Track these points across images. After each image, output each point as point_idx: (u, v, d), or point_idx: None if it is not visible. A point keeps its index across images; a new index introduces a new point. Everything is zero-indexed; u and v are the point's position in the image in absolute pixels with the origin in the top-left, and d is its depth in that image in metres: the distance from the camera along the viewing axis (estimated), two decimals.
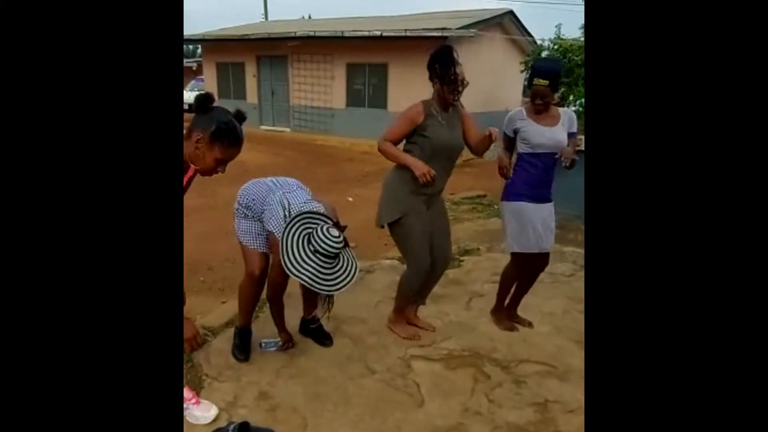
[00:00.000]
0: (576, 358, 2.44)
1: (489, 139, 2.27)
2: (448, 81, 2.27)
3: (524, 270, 2.65)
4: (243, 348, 2.35)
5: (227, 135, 1.60)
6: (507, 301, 2.78)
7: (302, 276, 1.92)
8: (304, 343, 2.48)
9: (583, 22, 12.75)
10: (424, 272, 2.50)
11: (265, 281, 2.28)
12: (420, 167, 2.27)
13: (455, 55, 2.28)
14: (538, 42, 12.34)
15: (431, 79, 2.34)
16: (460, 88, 2.31)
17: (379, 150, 2.40)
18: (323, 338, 2.52)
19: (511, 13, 11.91)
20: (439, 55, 2.29)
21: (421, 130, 2.33)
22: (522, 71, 11.74)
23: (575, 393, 2.16)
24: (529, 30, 12.61)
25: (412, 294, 2.60)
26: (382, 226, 2.51)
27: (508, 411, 2.03)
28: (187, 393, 1.93)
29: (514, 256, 2.62)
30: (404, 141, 2.42)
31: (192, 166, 1.61)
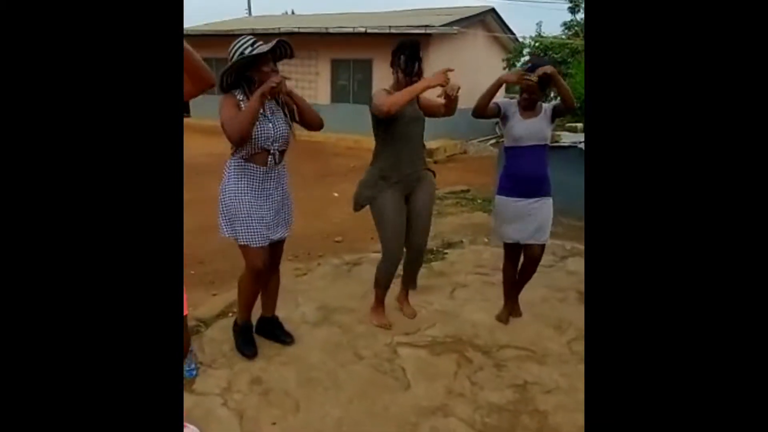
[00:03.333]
0: (554, 343, 2.57)
1: (449, 97, 2.38)
2: (409, 73, 2.39)
3: (511, 260, 2.76)
4: (248, 343, 2.36)
5: None
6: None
7: None
8: (296, 332, 2.56)
9: (563, 20, 12.95)
10: (394, 259, 2.59)
11: (264, 275, 2.28)
12: (437, 78, 2.30)
13: (419, 51, 2.41)
14: (520, 39, 12.53)
15: (392, 65, 2.45)
16: (416, 80, 2.40)
17: (394, 104, 2.29)
18: (284, 337, 2.47)
19: (493, 10, 12.07)
20: (406, 47, 2.40)
21: (388, 119, 2.39)
22: (504, 68, 11.91)
23: (552, 375, 2.28)
24: (511, 27, 12.80)
25: (386, 281, 2.68)
26: (356, 210, 2.65)
27: (490, 392, 2.15)
28: None
29: (504, 246, 2.75)
30: (373, 130, 2.52)
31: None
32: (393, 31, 10.00)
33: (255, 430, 1.85)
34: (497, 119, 2.65)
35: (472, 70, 10.91)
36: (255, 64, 2.07)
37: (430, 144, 9.62)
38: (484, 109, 2.54)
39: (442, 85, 2.31)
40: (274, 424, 1.89)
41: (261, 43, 2.08)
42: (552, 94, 9.82)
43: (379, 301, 2.74)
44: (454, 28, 10.23)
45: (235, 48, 2.07)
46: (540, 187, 2.59)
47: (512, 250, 2.72)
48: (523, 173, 2.57)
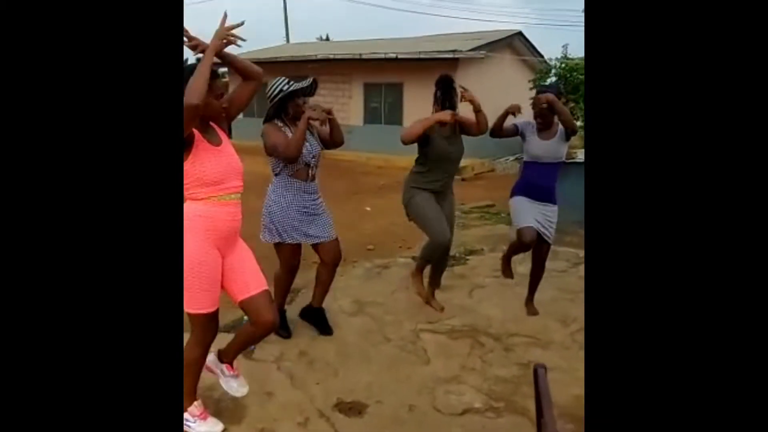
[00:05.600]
0: (558, 334, 2.93)
1: (478, 115, 2.85)
2: (450, 105, 2.89)
3: (523, 245, 3.02)
4: (283, 326, 2.78)
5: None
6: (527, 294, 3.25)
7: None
8: (334, 319, 3.00)
9: None
10: (442, 243, 2.93)
11: (296, 270, 2.77)
12: (440, 114, 2.81)
13: (455, 84, 2.89)
14: (548, 61, 12.89)
15: (435, 96, 2.95)
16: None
17: (406, 140, 2.84)
18: (324, 329, 2.84)
19: (520, 34, 12.52)
20: (441, 82, 2.91)
21: (425, 142, 2.90)
22: (531, 89, 12.28)
23: (554, 357, 2.65)
24: (541, 50, 13.19)
25: (430, 256, 3.07)
26: (406, 206, 3.08)
27: (498, 368, 2.53)
28: (194, 410, 1.96)
29: (518, 232, 3.03)
30: (417, 151, 3.00)
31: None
32: (422, 56, 10.57)
33: (303, 387, 2.31)
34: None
35: (500, 92, 11.30)
36: (291, 98, 2.61)
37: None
38: (498, 131, 2.99)
39: (448, 121, 2.79)
40: (318, 384, 2.34)
41: (294, 82, 2.62)
42: (579, 113, 10.14)
43: (419, 272, 3.16)
44: (481, 52, 10.72)
45: (274, 86, 2.61)
46: (550, 196, 3.03)
47: (528, 232, 2.95)
48: (538, 184, 3.01)
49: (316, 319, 2.91)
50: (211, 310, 1.88)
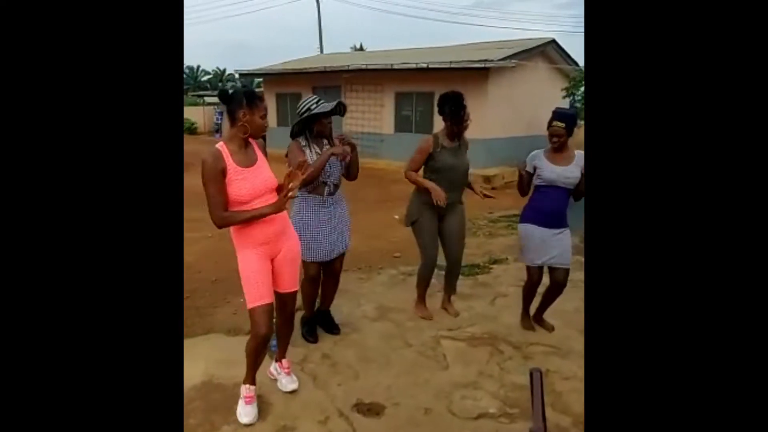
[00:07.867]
0: (578, 343, 2.95)
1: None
2: (457, 120, 2.94)
3: (533, 280, 3.09)
4: (311, 332, 2.95)
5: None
6: (536, 307, 3.22)
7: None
8: (357, 324, 3.12)
9: None
10: (431, 265, 3.18)
11: (320, 281, 2.90)
12: (436, 191, 2.91)
13: (463, 100, 2.97)
14: (582, 69, 12.72)
15: (441, 113, 3.02)
16: (466, 125, 2.99)
17: (406, 177, 3.07)
18: (333, 328, 3.03)
19: (553, 42, 12.40)
20: (452, 99, 2.96)
21: (433, 158, 3.00)
22: (564, 97, 12.14)
23: (572, 367, 2.67)
24: (575, 57, 13.01)
25: (425, 280, 3.26)
26: (407, 226, 3.26)
27: (515, 376, 2.58)
28: (246, 390, 2.21)
29: (527, 269, 3.11)
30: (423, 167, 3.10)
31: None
32: (453, 66, 10.63)
33: (325, 388, 2.42)
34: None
35: (532, 101, 11.28)
36: (317, 117, 2.71)
37: (490, 170, 10.06)
38: (527, 190, 3.04)
39: (440, 202, 2.91)
40: (339, 385, 2.45)
41: (323, 101, 2.72)
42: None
43: (421, 298, 3.31)
44: (512, 62, 10.68)
45: (304, 104, 2.72)
46: (560, 221, 2.96)
47: (535, 272, 3.06)
48: (548, 209, 2.93)
49: (324, 320, 3.05)
50: (257, 304, 2.07)
